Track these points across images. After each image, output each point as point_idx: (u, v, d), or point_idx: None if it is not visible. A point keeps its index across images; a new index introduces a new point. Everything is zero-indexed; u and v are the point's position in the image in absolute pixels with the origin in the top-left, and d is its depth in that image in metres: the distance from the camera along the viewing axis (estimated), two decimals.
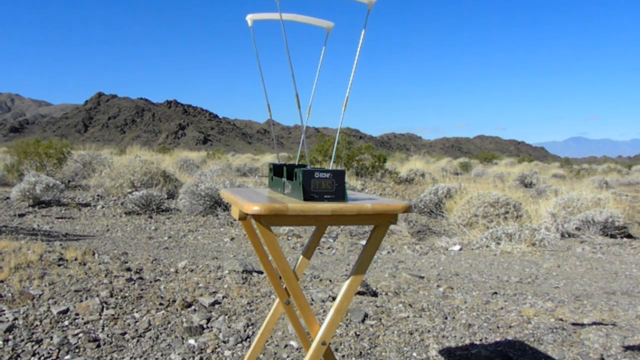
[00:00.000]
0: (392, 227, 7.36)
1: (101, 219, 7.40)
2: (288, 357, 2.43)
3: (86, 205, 8.51)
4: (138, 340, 2.50)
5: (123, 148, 22.97)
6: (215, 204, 7.93)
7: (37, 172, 10.17)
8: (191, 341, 2.53)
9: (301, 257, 1.93)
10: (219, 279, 3.51)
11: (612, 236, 7.17)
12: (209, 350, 2.45)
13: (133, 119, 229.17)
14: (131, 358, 2.34)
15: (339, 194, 1.44)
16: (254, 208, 1.35)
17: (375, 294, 3.45)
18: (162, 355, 2.39)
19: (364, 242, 6.34)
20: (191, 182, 8.40)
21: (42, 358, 2.28)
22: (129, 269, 3.53)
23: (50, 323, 2.58)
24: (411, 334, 2.75)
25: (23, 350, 2.32)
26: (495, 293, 3.88)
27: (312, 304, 3.16)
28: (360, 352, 2.51)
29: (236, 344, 2.53)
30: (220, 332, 2.64)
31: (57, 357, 2.29)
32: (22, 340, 2.39)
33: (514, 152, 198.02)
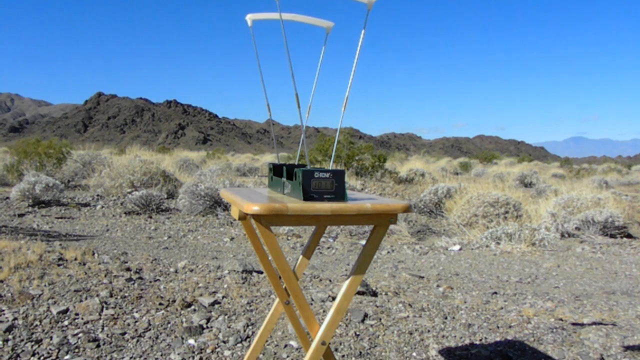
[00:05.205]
0: (392, 227, 7.36)
1: (101, 219, 7.40)
2: (288, 357, 2.43)
3: (86, 205, 8.51)
4: (138, 340, 2.50)
5: (123, 148, 22.96)
6: (215, 204, 7.93)
7: (36, 172, 10.17)
8: (191, 341, 2.53)
9: (301, 257, 1.93)
10: (219, 278, 3.51)
11: (612, 236, 7.17)
12: (208, 350, 2.45)
13: (133, 119, 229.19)
14: (131, 358, 2.34)
15: (339, 194, 1.44)
16: (254, 208, 1.34)
17: (375, 294, 3.45)
18: (161, 355, 2.38)
19: (364, 242, 6.33)
20: (191, 182, 8.40)
21: (42, 358, 2.28)
22: (128, 269, 3.53)
23: (50, 323, 2.58)
24: (411, 333, 2.75)
25: (23, 350, 2.31)
26: (495, 293, 3.87)
27: (311, 304, 3.16)
28: (360, 352, 2.51)
29: (236, 344, 2.53)
30: (220, 332, 2.64)
31: (57, 357, 2.29)
32: (22, 340, 2.39)
33: (514, 151, 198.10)
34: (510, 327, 2.96)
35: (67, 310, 2.73)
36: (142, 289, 3.15)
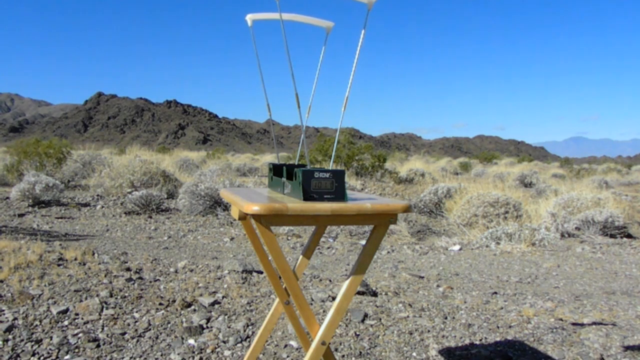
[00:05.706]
0: (392, 227, 7.36)
1: (101, 219, 7.40)
2: (288, 357, 2.43)
3: (86, 205, 8.51)
4: (138, 340, 2.50)
5: (123, 148, 22.95)
6: (215, 204, 7.93)
7: (36, 172, 10.17)
8: (191, 341, 2.53)
9: (301, 257, 1.93)
10: (219, 278, 3.51)
11: (612, 236, 7.16)
12: (208, 350, 2.45)
13: (133, 119, 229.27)
14: (131, 358, 2.34)
15: (339, 194, 1.44)
16: (254, 208, 1.34)
17: (375, 294, 3.45)
18: (161, 355, 2.38)
19: (364, 242, 6.33)
20: (191, 182, 8.40)
21: (42, 358, 2.28)
22: (128, 269, 3.53)
23: (50, 323, 2.58)
24: (411, 333, 2.75)
25: (23, 350, 2.31)
26: (495, 293, 3.87)
27: (311, 304, 3.16)
28: (360, 352, 2.51)
29: (236, 344, 2.53)
30: (220, 332, 2.64)
31: (57, 357, 2.29)
32: (22, 340, 2.39)
33: (514, 152, 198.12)
34: (510, 327, 2.96)
35: (67, 310, 2.73)
36: (142, 289, 3.15)
